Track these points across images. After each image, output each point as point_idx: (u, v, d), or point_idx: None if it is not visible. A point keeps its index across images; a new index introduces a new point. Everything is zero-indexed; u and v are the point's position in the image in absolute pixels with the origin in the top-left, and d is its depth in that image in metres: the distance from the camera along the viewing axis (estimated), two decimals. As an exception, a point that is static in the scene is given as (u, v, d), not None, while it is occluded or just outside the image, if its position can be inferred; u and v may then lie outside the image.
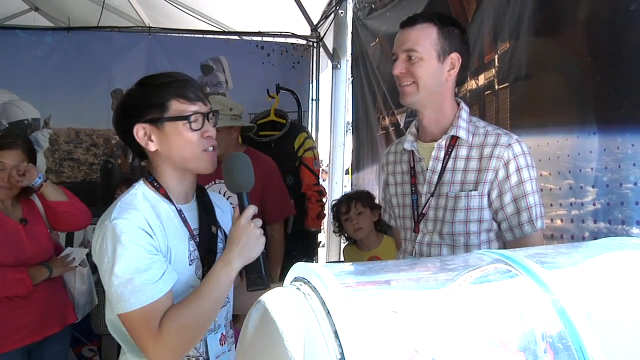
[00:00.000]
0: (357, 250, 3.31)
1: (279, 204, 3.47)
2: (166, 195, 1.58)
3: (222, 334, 1.62)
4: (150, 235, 1.45)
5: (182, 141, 1.54)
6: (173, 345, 1.42)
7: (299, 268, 0.77)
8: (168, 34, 4.98)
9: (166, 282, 1.43)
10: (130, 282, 1.39)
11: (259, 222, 1.54)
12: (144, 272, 1.40)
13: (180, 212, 1.59)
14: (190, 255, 1.57)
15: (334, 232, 3.62)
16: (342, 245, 4.96)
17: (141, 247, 1.42)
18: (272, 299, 0.71)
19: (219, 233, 1.67)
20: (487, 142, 1.78)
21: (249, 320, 0.77)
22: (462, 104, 1.87)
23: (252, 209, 1.53)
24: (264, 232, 1.66)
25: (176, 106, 1.54)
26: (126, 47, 4.77)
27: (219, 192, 3.26)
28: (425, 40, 1.76)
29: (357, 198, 3.21)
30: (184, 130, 1.54)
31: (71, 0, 5.32)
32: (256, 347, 0.75)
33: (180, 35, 5.00)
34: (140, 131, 1.55)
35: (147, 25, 5.04)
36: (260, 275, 1.53)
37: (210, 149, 1.58)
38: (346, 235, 3.37)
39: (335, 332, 0.63)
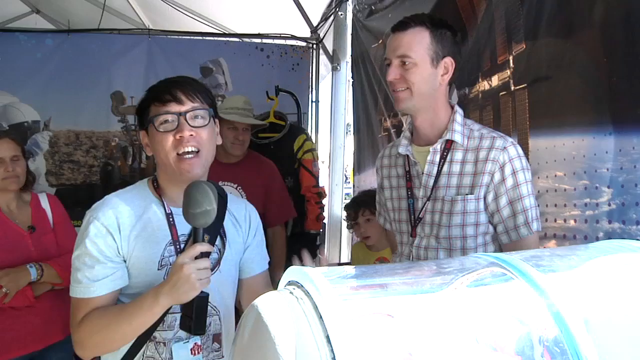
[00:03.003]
0: (366, 249, 3.29)
1: (280, 207, 3.50)
2: (160, 197, 1.58)
3: (195, 343, 1.57)
4: (113, 237, 1.50)
5: (156, 144, 1.53)
6: (82, 343, 1.49)
7: (292, 272, 0.77)
8: (168, 36, 4.98)
9: (103, 286, 1.48)
10: (76, 272, 1.50)
11: (203, 263, 1.40)
12: (88, 268, 1.48)
13: (169, 215, 1.56)
14: (162, 260, 1.53)
15: (347, 227, 3.60)
16: (344, 243, 4.97)
17: (96, 246, 1.48)
18: (265, 303, 0.71)
19: (217, 242, 1.60)
20: (483, 145, 1.77)
21: (243, 324, 0.77)
22: (457, 107, 1.86)
23: (198, 248, 1.40)
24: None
25: (153, 109, 1.53)
26: (126, 49, 4.78)
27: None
28: (419, 45, 1.75)
29: (366, 205, 3.12)
30: (155, 133, 1.52)
31: (72, 3, 5.32)
32: (249, 351, 0.74)
33: (180, 37, 5.00)
34: (144, 137, 1.59)
35: (147, 28, 5.04)
36: (189, 319, 1.43)
37: (189, 153, 1.50)
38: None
39: (327, 337, 0.62)
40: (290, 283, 0.77)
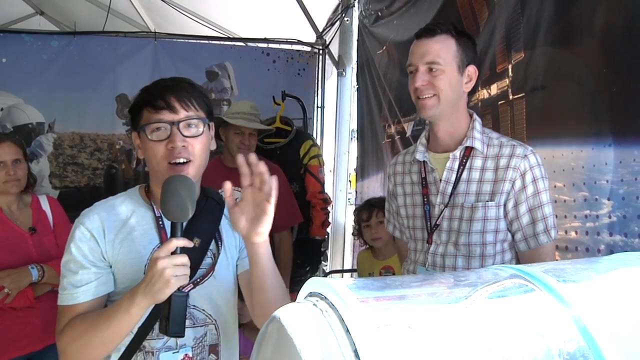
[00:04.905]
0: (372, 257, 3.29)
1: (286, 212, 3.48)
2: (150, 201, 1.56)
3: (186, 354, 1.50)
4: (97, 241, 1.47)
5: (148, 151, 1.49)
6: (65, 351, 1.45)
7: (314, 283, 0.75)
8: (173, 40, 4.97)
9: (87, 292, 1.45)
10: (62, 279, 1.48)
11: (180, 259, 1.32)
12: (72, 274, 1.46)
13: (159, 218, 1.53)
14: (148, 265, 1.43)
15: (352, 234, 3.59)
16: (347, 250, 4.96)
17: (80, 252, 1.46)
18: (288, 315, 0.69)
19: (212, 246, 1.57)
20: (503, 153, 1.77)
21: (263, 337, 0.75)
22: (475, 115, 1.87)
23: (174, 242, 1.32)
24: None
25: (145, 115, 1.49)
26: (131, 52, 4.78)
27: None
28: (447, 52, 1.75)
29: (380, 207, 3.10)
30: (146, 140, 1.48)
31: (75, 5, 5.33)
32: (271, 365, 0.73)
33: (186, 40, 5.00)
34: (136, 139, 1.56)
35: (153, 31, 5.04)
36: (166, 319, 1.33)
37: (181, 161, 1.46)
38: (363, 239, 3.34)
39: (355, 351, 0.61)
40: (311, 294, 0.75)
